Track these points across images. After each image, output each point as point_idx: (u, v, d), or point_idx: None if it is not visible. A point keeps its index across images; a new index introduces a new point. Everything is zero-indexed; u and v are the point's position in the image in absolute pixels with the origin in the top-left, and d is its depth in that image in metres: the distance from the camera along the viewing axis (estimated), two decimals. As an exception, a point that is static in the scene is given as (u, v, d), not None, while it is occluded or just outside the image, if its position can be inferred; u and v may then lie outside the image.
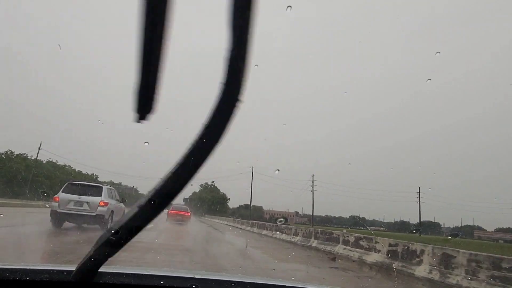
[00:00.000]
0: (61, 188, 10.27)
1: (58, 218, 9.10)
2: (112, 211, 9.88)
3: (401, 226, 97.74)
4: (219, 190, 72.86)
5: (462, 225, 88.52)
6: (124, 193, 63.26)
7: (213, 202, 68.96)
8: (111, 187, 10.60)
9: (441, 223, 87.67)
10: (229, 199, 74.29)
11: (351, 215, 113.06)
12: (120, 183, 64.11)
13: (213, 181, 74.55)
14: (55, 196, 9.35)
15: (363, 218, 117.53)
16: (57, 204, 9.03)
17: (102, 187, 9.61)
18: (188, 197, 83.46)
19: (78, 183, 9.89)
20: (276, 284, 1.23)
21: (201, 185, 76.02)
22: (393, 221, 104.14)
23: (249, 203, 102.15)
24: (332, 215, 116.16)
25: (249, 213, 60.60)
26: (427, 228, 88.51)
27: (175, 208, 29.82)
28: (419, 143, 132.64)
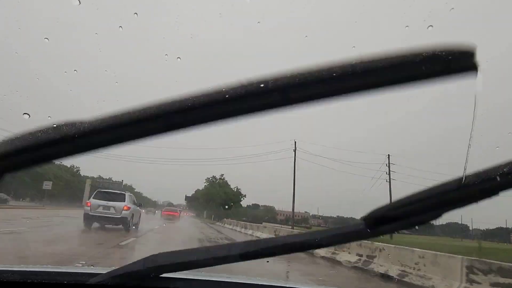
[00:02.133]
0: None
1: (90, 219, 12.86)
2: (132, 214, 13.68)
3: (427, 229, 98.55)
4: (229, 185, 65.71)
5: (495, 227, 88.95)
6: (113, 188, 64.97)
7: (225, 200, 59.98)
8: (131, 194, 14.45)
9: (468, 225, 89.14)
10: (245, 195, 65.61)
11: (362, 216, 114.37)
12: (110, 178, 65.46)
13: (222, 175, 67.47)
14: (87, 201, 13.07)
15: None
16: (89, 208, 12.77)
17: (125, 194, 13.56)
18: (191, 195, 76.79)
19: (106, 191, 13.77)
20: (273, 285, 1.32)
21: (207, 179, 68.88)
22: None
23: (258, 203, 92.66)
24: (344, 216, 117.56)
25: (292, 219, 48.09)
26: (452, 231, 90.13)
27: (166, 209, 40.79)
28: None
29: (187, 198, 79.30)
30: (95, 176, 72.61)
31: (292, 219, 47.82)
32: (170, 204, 68.34)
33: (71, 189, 67.53)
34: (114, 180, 69.40)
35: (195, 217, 75.94)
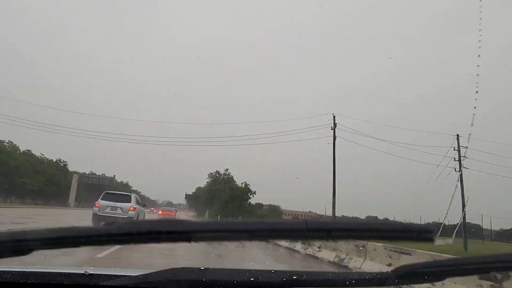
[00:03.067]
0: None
1: (98, 219, 14.42)
2: (138, 214, 15.24)
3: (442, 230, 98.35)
4: (235, 181, 61.10)
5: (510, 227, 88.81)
6: (103, 184, 66.33)
7: (231, 198, 55.81)
8: (136, 195, 15.96)
9: (483, 225, 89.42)
10: (254, 192, 59.16)
11: (368, 216, 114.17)
12: (103, 175, 67.46)
13: (227, 169, 63.04)
14: (96, 202, 14.60)
15: (386, 219, 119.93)
16: (97, 208, 14.35)
17: (131, 196, 15.40)
18: (191, 193, 74.84)
19: (113, 193, 15.39)
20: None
21: (210, 175, 64.79)
22: (424, 223, 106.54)
23: (261, 202, 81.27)
24: (349, 216, 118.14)
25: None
26: (466, 231, 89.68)
27: (163, 209, 48.87)
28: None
29: (187, 196, 76.80)
30: (87, 172, 69.48)
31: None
32: (169, 204, 71.67)
33: (56, 186, 63.02)
34: (107, 176, 67.60)
35: (196, 217, 74.03)
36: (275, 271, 1.28)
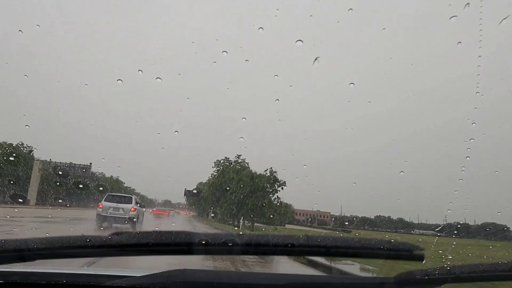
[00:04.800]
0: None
1: (102, 219, 16.55)
2: (138, 215, 17.31)
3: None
4: (249, 168, 47.96)
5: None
6: (75, 175, 61.02)
7: (251, 192, 43.66)
8: (137, 197, 17.94)
9: (509, 226, 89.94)
10: (283, 183, 44.72)
11: (377, 215, 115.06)
12: (87, 165, 61.01)
13: (239, 156, 50.34)
14: (99, 203, 16.66)
15: (400, 219, 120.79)
16: (101, 209, 16.51)
17: (132, 197, 18.16)
18: (192, 189, 68.79)
19: (115, 195, 17.58)
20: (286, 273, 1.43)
21: (217, 163, 53.24)
22: (445, 223, 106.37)
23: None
24: (358, 215, 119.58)
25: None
26: (489, 232, 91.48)
27: (158, 209, 55.15)
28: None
29: (186, 193, 68.31)
30: (68, 162, 59.93)
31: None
32: (167, 203, 78.65)
33: (10, 176, 53.44)
34: (85, 164, 60.45)
35: (197, 217, 73.87)
36: (275, 274, 1.61)
